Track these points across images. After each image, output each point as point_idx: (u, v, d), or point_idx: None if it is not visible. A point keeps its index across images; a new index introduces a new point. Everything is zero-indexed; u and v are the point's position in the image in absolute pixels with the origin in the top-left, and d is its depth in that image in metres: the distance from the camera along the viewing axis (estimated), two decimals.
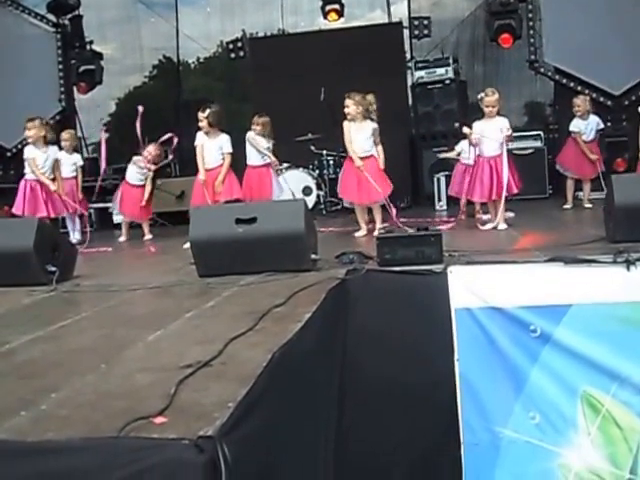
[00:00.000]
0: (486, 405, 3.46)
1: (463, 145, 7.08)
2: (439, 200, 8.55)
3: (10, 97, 9.39)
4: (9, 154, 9.86)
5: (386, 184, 6.27)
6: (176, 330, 2.92)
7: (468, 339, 3.47)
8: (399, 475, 3.44)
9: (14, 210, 6.88)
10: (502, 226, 5.98)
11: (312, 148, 9.11)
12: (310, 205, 8.14)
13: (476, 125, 6.13)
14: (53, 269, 4.27)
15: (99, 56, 10.76)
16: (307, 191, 8.84)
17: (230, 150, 6.65)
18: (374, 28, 10.90)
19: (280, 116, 7.81)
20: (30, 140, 6.86)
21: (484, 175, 6.05)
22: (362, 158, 6.25)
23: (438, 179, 8.59)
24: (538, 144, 9.27)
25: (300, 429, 2.46)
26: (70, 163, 7.57)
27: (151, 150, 7.55)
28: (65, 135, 7.71)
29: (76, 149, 8.19)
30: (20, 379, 2.35)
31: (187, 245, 4.63)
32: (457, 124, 9.15)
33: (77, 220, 7.52)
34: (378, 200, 6.28)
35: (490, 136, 5.99)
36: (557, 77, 9.10)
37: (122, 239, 7.61)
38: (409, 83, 10.43)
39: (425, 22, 10.49)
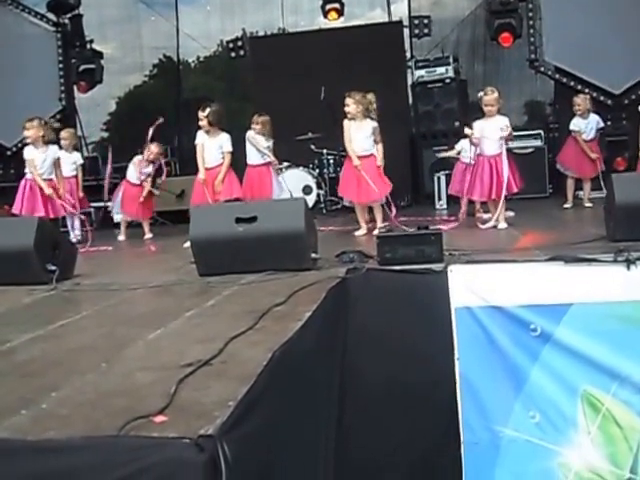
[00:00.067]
0: (486, 404, 3.46)
1: (463, 144, 7.08)
2: (439, 199, 8.56)
3: (10, 96, 9.40)
4: (9, 153, 9.87)
5: (384, 184, 6.27)
6: (176, 329, 2.92)
7: (468, 338, 3.46)
8: (399, 473, 3.44)
9: (13, 209, 6.89)
10: (502, 225, 5.98)
11: (312, 147, 9.11)
12: (310, 204, 8.14)
13: (476, 124, 6.13)
14: (53, 268, 4.27)
15: (99, 55, 10.76)
16: (307, 190, 8.85)
17: (230, 149, 6.64)
18: (374, 27, 10.88)
19: (280, 115, 7.81)
20: (29, 140, 6.86)
21: (484, 174, 6.05)
22: (362, 157, 6.25)
23: (438, 178, 8.60)
24: (538, 143, 9.28)
25: (300, 428, 2.46)
26: (70, 162, 7.57)
27: (153, 149, 7.55)
28: (64, 134, 7.71)
29: (76, 148, 8.20)
30: (20, 378, 2.35)
31: (187, 244, 4.63)
32: (457, 123, 9.16)
33: (77, 219, 7.52)
34: (377, 199, 6.28)
35: (490, 135, 5.99)
36: (557, 76, 9.10)
37: (121, 238, 7.62)
38: (409, 82, 10.43)
39: (425, 21, 10.48)
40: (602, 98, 8.65)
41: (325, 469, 2.77)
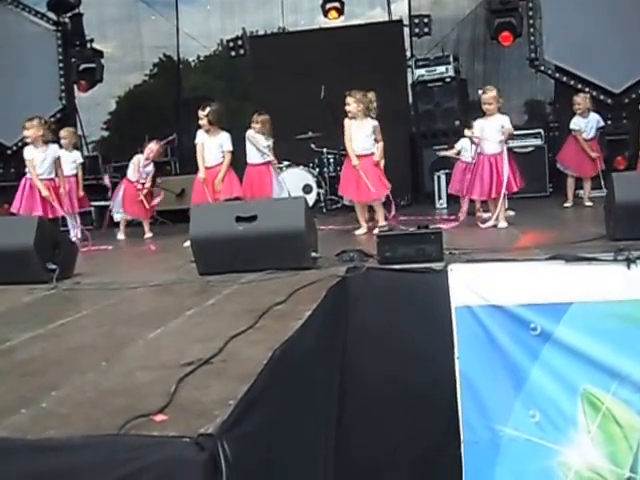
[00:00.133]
0: (486, 403, 3.46)
1: (463, 143, 7.09)
2: (439, 198, 8.55)
3: (10, 95, 9.40)
4: (9, 152, 9.88)
5: (383, 183, 6.27)
6: (176, 328, 2.92)
7: (468, 337, 3.47)
8: (399, 472, 3.44)
9: (11, 208, 6.89)
10: (502, 224, 5.98)
11: (312, 146, 9.11)
12: (310, 203, 8.11)
13: (477, 123, 6.13)
14: (53, 267, 4.27)
15: (99, 54, 10.76)
16: (307, 189, 8.85)
17: (230, 148, 6.64)
18: (374, 26, 10.88)
19: (280, 114, 7.81)
20: (28, 140, 6.86)
21: (484, 173, 6.04)
22: (362, 156, 6.26)
23: (438, 177, 8.59)
24: (538, 142, 9.27)
25: (300, 427, 2.47)
26: (70, 161, 7.56)
27: (153, 147, 7.55)
28: (63, 133, 7.71)
29: (76, 146, 8.19)
30: (20, 377, 2.35)
31: (187, 243, 4.63)
32: (458, 122, 9.16)
33: (77, 218, 7.52)
34: (377, 199, 6.28)
35: (490, 134, 5.99)
36: (557, 75, 9.10)
37: (120, 237, 7.62)
38: (409, 81, 10.42)
39: (425, 20, 10.47)
40: (602, 97, 8.65)
41: (325, 468, 2.77)
